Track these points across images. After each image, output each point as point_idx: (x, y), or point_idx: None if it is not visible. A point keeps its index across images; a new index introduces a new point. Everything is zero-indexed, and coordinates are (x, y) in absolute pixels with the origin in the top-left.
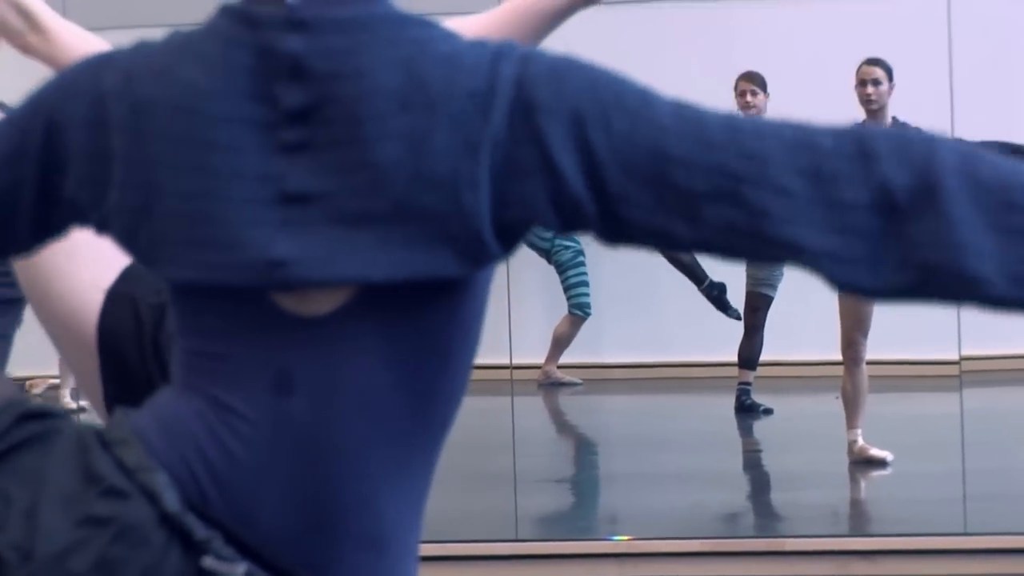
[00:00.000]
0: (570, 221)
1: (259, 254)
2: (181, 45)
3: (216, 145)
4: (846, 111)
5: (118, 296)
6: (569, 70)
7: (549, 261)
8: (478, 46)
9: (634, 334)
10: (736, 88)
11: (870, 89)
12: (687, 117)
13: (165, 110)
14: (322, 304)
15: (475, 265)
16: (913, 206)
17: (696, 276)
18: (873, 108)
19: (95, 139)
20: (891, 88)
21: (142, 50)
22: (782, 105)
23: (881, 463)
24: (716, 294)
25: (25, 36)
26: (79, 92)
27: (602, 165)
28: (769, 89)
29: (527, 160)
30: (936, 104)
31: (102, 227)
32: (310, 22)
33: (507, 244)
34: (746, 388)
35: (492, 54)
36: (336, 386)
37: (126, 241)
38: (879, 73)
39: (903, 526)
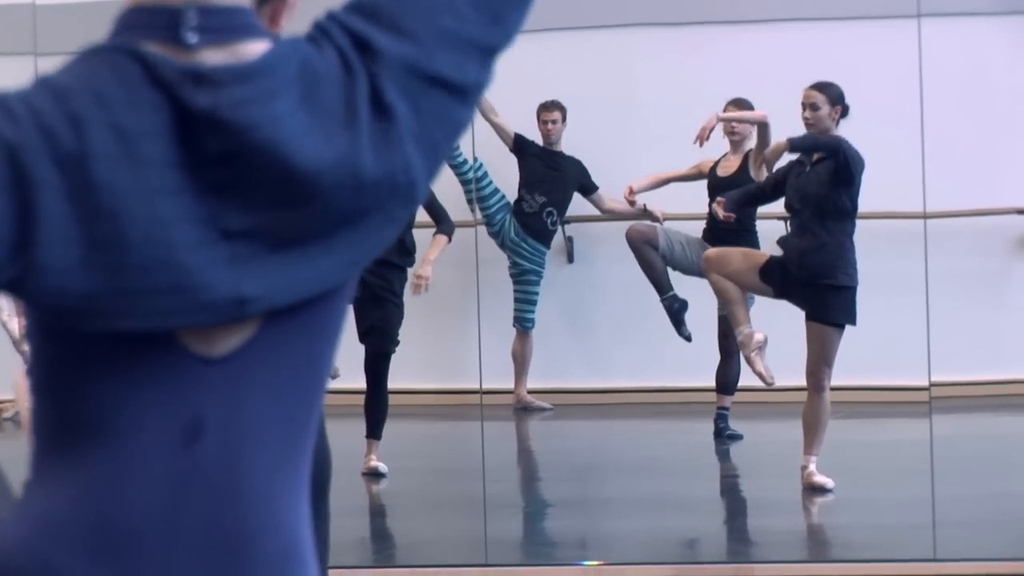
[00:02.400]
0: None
1: (227, 294)
2: (89, 88)
3: (159, 190)
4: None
5: None
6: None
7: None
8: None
9: (607, 360)
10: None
11: (807, 113)
12: None
13: (99, 160)
14: (228, 341)
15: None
16: None
17: (660, 286)
18: (812, 131)
19: (10, 199)
20: (833, 112)
21: (41, 96)
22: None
23: (823, 490)
24: (676, 307)
25: None
26: None
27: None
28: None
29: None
30: (907, 127)
31: (10, 289)
32: (212, 76)
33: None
34: (724, 413)
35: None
36: (239, 425)
37: (53, 298)
38: (818, 97)
39: (873, 552)
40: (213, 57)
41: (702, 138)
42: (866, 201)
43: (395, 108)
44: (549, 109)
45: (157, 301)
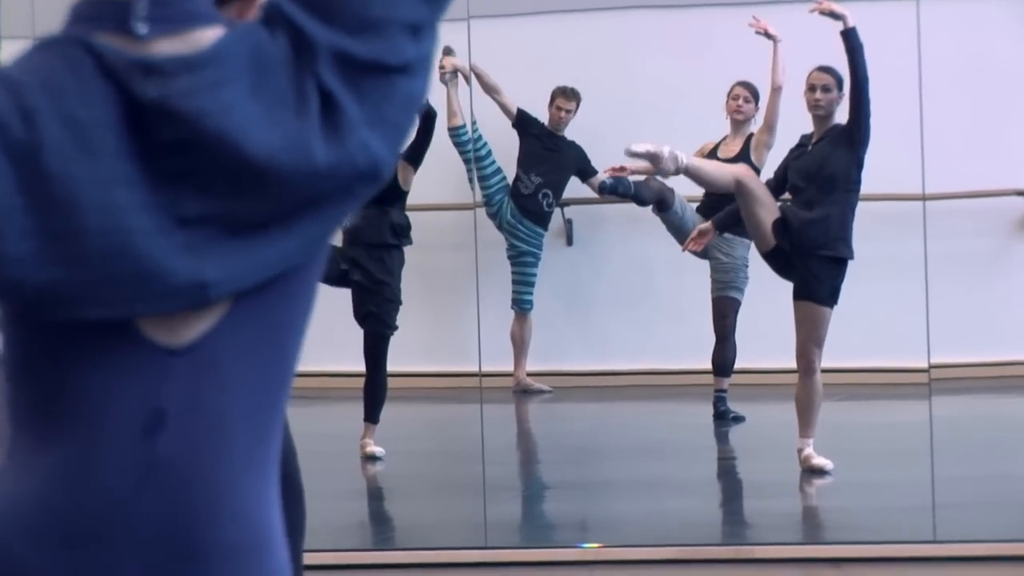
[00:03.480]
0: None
1: (188, 280)
2: (41, 81)
3: (113, 180)
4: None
5: None
6: None
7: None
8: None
9: (606, 342)
10: (730, 92)
11: (819, 95)
12: None
13: (52, 152)
14: (190, 330)
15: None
16: None
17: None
18: (820, 114)
19: None
20: (839, 97)
21: None
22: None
23: (823, 472)
24: (622, 188)
25: None
26: None
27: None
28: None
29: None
30: (906, 108)
31: None
32: (162, 67)
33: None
34: (722, 395)
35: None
36: (204, 415)
37: (12, 289)
38: (829, 80)
39: (872, 534)
40: (165, 47)
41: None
42: (865, 183)
43: (338, 97)
44: (568, 98)
45: (117, 289)
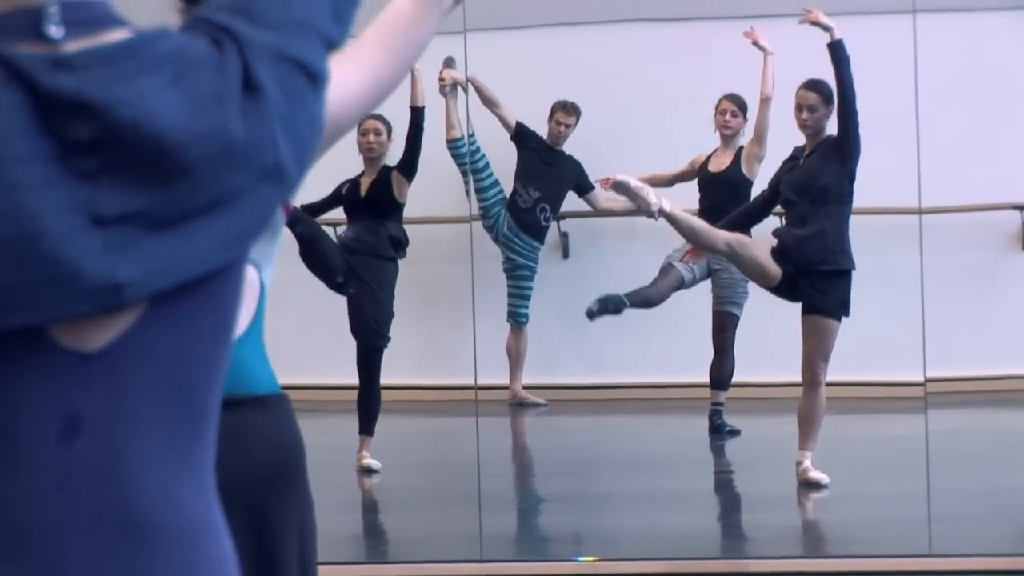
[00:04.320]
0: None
1: (101, 281)
2: None
3: (21, 185)
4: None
5: None
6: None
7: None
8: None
9: (602, 355)
10: (718, 107)
11: (805, 115)
12: None
13: None
14: (103, 334)
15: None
16: None
17: (649, 300)
18: (808, 132)
19: None
20: (828, 112)
21: None
22: (746, 128)
23: (818, 486)
24: (612, 306)
25: None
26: None
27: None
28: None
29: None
30: (902, 122)
31: None
32: (74, 59)
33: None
34: (718, 409)
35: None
36: (121, 420)
37: None
38: (814, 99)
39: (868, 547)
40: (78, 46)
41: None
42: (861, 196)
43: (264, 85)
44: (568, 112)
45: (31, 294)
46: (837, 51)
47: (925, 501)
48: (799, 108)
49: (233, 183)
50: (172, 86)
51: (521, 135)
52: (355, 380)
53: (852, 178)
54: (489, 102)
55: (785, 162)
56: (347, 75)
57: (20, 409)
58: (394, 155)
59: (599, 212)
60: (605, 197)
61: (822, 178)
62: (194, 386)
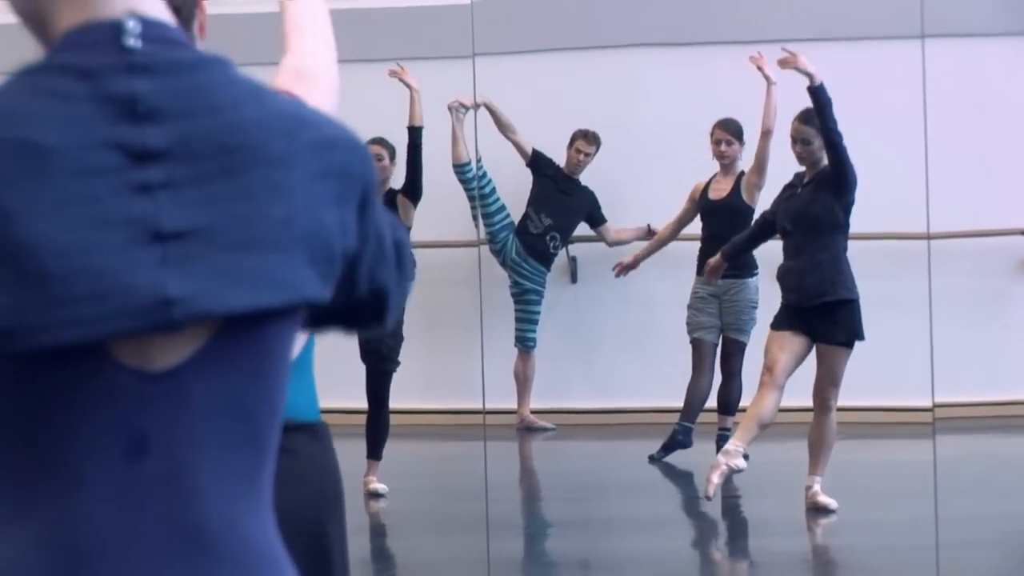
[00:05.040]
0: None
1: (150, 296)
2: (3, 108)
3: (77, 199)
4: None
5: None
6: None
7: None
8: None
9: (609, 380)
10: (712, 135)
11: (799, 148)
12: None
13: (13, 177)
14: (168, 356)
15: (330, 287)
16: None
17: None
18: (805, 164)
19: None
20: (821, 144)
21: None
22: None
23: (826, 511)
24: (681, 439)
25: None
26: None
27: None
28: (745, 136)
29: (355, 194)
30: (911, 147)
31: None
32: (152, 65)
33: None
34: (725, 434)
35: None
36: (185, 441)
37: None
38: (807, 132)
39: (875, 573)
40: (153, 55)
41: None
42: (869, 221)
43: (373, 213)
44: (590, 141)
45: (80, 310)
46: (818, 96)
47: (933, 526)
48: (793, 141)
49: (296, 224)
50: (249, 103)
51: (537, 162)
52: (362, 404)
53: (848, 209)
54: (505, 128)
55: (784, 188)
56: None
57: (84, 426)
58: (399, 178)
59: (610, 245)
60: (615, 230)
61: (814, 210)
62: (257, 418)
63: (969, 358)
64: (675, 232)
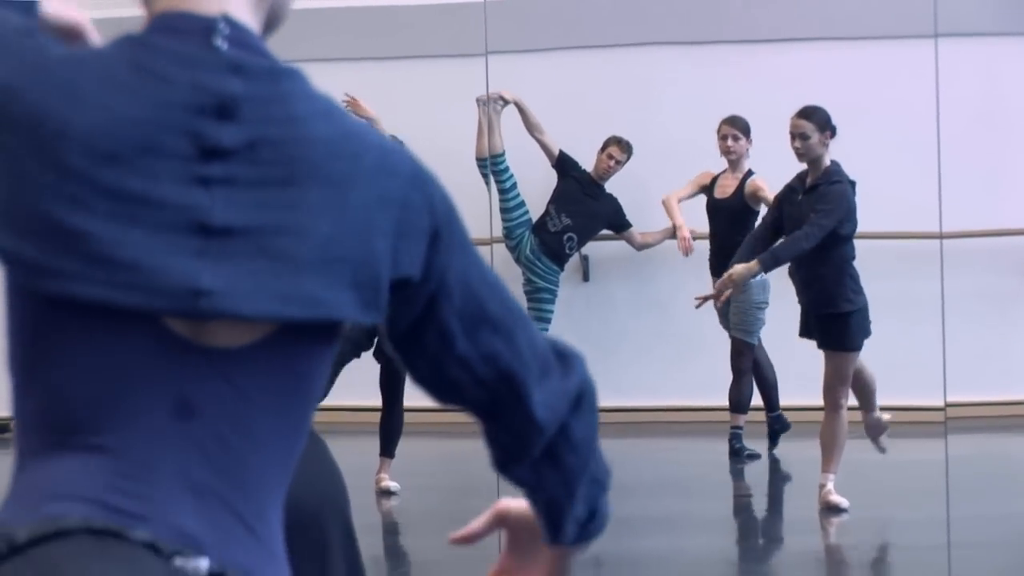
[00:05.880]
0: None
1: (182, 281)
2: (91, 68)
3: (134, 170)
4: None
5: None
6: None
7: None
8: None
9: (622, 379)
10: (719, 132)
11: (797, 143)
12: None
13: (82, 132)
14: (228, 338)
15: (373, 314)
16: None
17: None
18: (804, 161)
19: None
20: (823, 137)
21: (58, 60)
22: (768, 151)
23: (838, 510)
24: (779, 427)
25: None
26: None
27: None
28: (754, 134)
29: (420, 227)
30: (923, 147)
31: None
32: (247, 67)
33: (387, 303)
34: (737, 432)
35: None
36: (233, 418)
37: (7, 257)
38: (806, 127)
39: (888, 572)
40: (243, 56)
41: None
42: (881, 220)
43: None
44: (623, 149)
45: (115, 273)
46: (771, 266)
47: (945, 526)
48: (792, 136)
49: (342, 245)
50: (322, 119)
51: (564, 163)
52: (374, 401)
53: (851, 225)
54: (534, 127)
55: (785, 188)
56: None
57: (135, 381)
58: None
59: (638, 249)
60: (641, 234)
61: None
62: (294, 419)
63: (981, 358)
64: (680, 201)
